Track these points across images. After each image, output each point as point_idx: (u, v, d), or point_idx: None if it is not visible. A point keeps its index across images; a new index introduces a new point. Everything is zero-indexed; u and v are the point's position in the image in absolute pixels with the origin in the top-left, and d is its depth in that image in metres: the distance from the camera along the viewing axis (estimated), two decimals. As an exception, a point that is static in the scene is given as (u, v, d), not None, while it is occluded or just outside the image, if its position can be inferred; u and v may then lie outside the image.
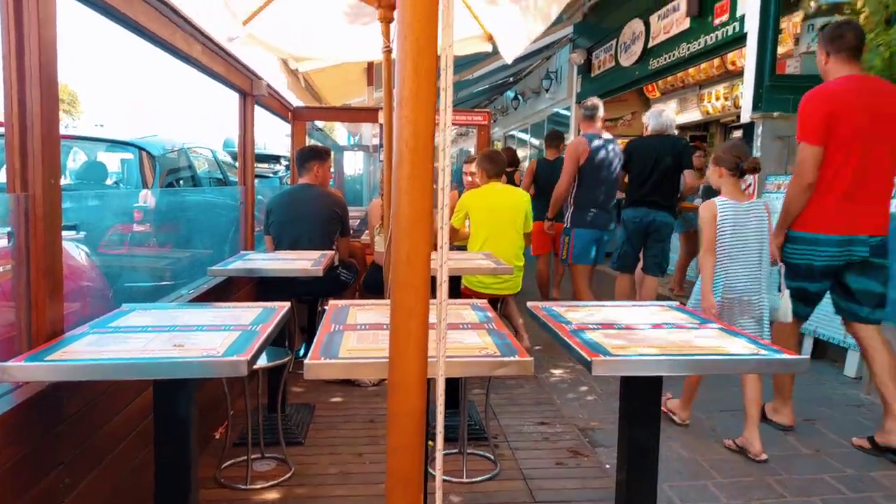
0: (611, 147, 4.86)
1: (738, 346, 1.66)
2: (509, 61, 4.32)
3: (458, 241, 4.49)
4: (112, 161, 4.80)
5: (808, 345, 4.52)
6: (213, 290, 3.14)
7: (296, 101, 5.85)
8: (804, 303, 3.12)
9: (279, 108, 5.03)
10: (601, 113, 4.91)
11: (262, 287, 3.82)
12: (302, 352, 4.26)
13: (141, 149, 4.71)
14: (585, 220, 4.82)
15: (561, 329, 1.81)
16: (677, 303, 2.28)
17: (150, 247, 3.77)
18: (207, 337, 1.68)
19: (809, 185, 2.94)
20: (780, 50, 5.70)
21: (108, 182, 4.70)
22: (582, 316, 2.02)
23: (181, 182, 5.12)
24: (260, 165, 9.64)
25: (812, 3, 5.67)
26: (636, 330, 1.83)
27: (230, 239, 4.18)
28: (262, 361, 2.55)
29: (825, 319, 4.34)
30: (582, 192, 4.84)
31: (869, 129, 2.87)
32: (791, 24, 6.15)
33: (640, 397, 1.79)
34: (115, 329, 1.77)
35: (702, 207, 3.07)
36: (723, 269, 2.98)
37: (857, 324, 3.11)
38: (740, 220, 2.95)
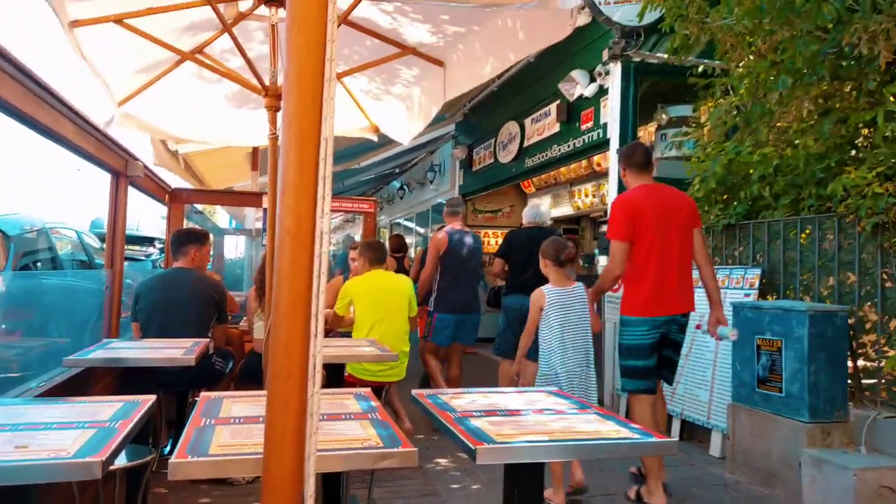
0: (469, 239, 5.33)
1: (613, 430, 1.73)
2: (405, 143, 4.53)
3: (343, 328, 4.41)
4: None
5: (676, 427, 4.77)
6: (67, 383, 2.84)
7: (174, 182, 5.66)
8: (643, 378, 3.53)
9: (155, 189, 4.84)
10: (462, 210, 5.52)
11: (126, 378, 3.51)
12: (168, 448, 3.91)
13: (-8, 228, 4.32)
14: (446, 305, 5.17)
15: (445, 417, 1.80)
16: (556, 388, 2.35)
17: (-5, 334, 3.38)
18: (57, 436, 1.51)
19: (617, 277, 3.54)
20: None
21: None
22: (466, 403, 2.02)
23: (39, 265, 4.71)
24: (132, 247, 9.10)
25: (664, 116, 6.39)
26: (519, 416, 1.85)
27: (92, 326, 3.86)
28: (121, 461, 2.31)
29: (692, 403, 4.63)
30: (443, 281, 5.22)
31: (662, 226, 3.46)
32: (647, 132, 6.87)
33: (522, 484, 1.79)
34: (-57, 430, 1.55)
35: (533, 294, 3.58)
36: (559, 346, 3.44)
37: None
38: (566, 303, 3.49)
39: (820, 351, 3.61)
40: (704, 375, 4.57)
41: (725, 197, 4.95)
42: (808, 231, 4.25)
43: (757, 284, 4.38)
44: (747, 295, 4.40)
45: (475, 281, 5.42)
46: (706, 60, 5.16)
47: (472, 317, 5.31)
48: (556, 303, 3.48)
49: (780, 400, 3.74)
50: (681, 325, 3.57)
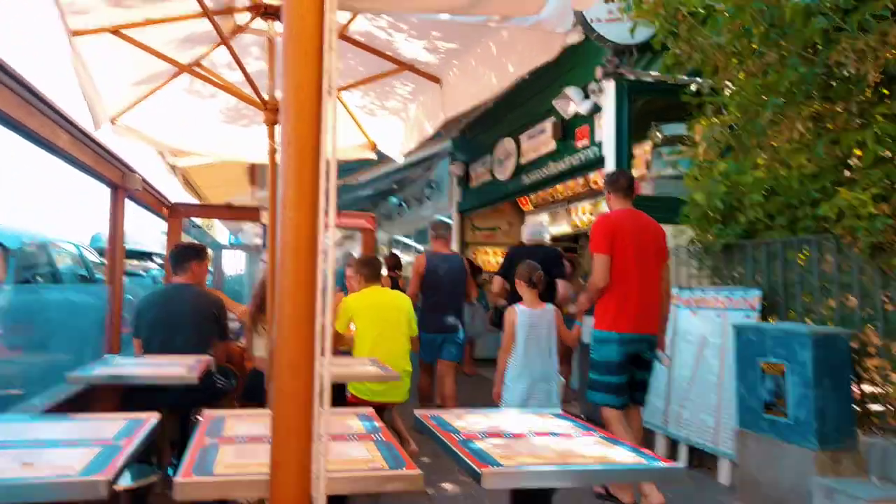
0: (450, 262, 5.57)
1: (620, 455, 1.72)
2: (399, 161, 4.55)
3: (343, 347, 4.39)
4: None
5: (683, 453, 4.63)
6: (71, 400, 2.82)
7: (173, 196, 5.65)
8: (614, 394, 3.69)
9: (154, 203, 4.83)
10: (446, 234, 5.79)
11: (128, 396, 3.48)
12: (172, 469, 3.86)
13: (-7, 241, 4.30)
14: (427, 324, 5.32)
15: (450, 439, 1.79)
16: (560, 410, 2.35)
17: (-3, 349, 3.36)
18: (62, 454, 1.51)
19: (601, 289, 3.72)
20: (635, 173, 6.35)
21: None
22: (469, 424, 2.02)
23: (39, 279, 4.69)
24: (131, 262, 9.07)
25: (658, 135, 6.43)
26: (524, 439, 1.85)
27: (93, 342, 3.84)
28: (126, 481, 2.29)
29: (698, 428, 4.50)
30: (425, 301, 5.45)
31: (639, 247, 3.73)
32: (643, 150, 6.92)
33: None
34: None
35: (506, 312, 3.90)
36: (521, 362, 3.74)
37: (631, 404, 3.82)
38: (535, 322, 3.81)
39: (825, 375, 3.54)
40: (710, 399, 4.44)
41: (722, 217, 4.96)
42: (806, 252, 4.25)
43: (757, 306, 4.32)
44: (748, 317, 4.33)
45: (456, 301, 5.62)
46: (699, 79, 5.21)
47: (452, 335, 5.49)
48: (525, 322, 3.80)
49: (787, 426, 3.64)
50: (650, 344, 3.77)
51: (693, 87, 5.07)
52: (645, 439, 4.23)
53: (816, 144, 4.11)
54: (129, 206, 4.07)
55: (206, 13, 2.75)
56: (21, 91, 2.33)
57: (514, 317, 3.83)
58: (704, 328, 4.66)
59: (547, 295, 5.15)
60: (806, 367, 3.57)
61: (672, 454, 4.75)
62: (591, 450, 1.76)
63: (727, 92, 4.68)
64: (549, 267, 5.11)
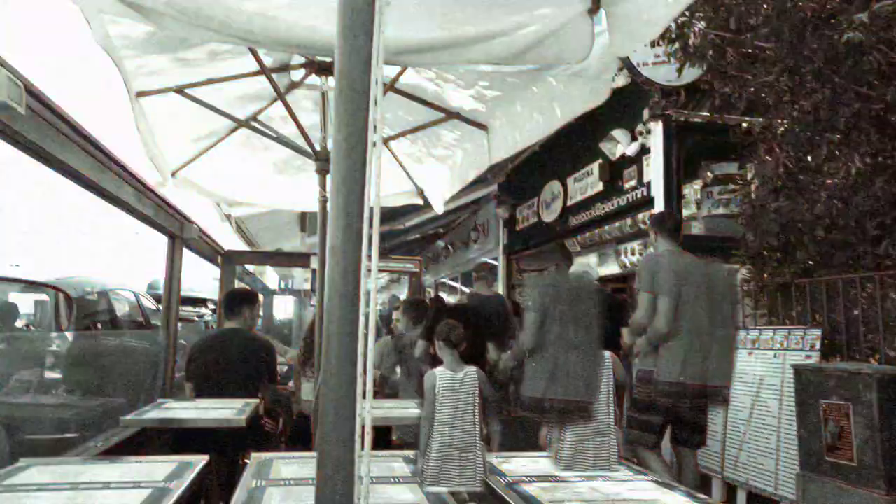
0: (490, 303, 5.58)
1: (675, 500, 1.65)
2: (439, 212, 4.59)
3: (389, 389, 4.39)
4: (27, 302, 4.54)
5: (742, 499, 4.48)
6: (125, 442, 2.90)
7: (226, 243, 5.83)
8: (654, 433, 3.65)
9: (209, 250, 5.00)
10: (487, 276, 5.82)
11: (179, 439, 3.55)
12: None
13: (57, 290, 4.50)
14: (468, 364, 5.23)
15: (496, 482, 1.76)
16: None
17: (58, 394, 3.48)
18: (114, 496, 1.54)
19: (646, 326, 3.67)
20: (686, 212, 6.23)
21: (19, 324, 4.41)
22: (516, 467, 1.98)
23: (99, 325, 4.87)
24: (185, 308, 9.37)
25: (709, 174, 6.33)
26: (572, 483, 1.80)
27: (148, 386, 3.94)
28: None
29: (757, 472, 4.36)
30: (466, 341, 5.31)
31: (688, 288, 3.64)
32: (693, 190, 6.81)
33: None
34: (7, 488, 1.59)
35: (426, 377, 3.51)
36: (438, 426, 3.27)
37: (684, 448, 3.79)
38: (455, 388, 3.36)
39: (892, 416, 3.38)
40: (768, 442, 4.32)
41: (778, 255, 4.81)
42: (868, 290, 4.08)
43: (818, 346, 4.17)
44: (808, 356, 4.19)
45: (496, 341, 5.53)
46: (749, 118, 5.13)
47: (493, 376, 5.38)
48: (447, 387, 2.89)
49: (852, 469, 3.47)
50: (707, 388, 3.65)
51: (744, 126, 5.00)
52: (701, 484, 4.09)
53: (874, 181, 3.99)
54: (184, 253, 4.21)
55: (263, 71, 2.88)
56: (95, 152, 2.48)
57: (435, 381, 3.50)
58: (761, 369, 4.53)
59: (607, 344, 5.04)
60: (871, 409, 3.40)
61: (730, 499, 4.60)
62: (643, 494, 1.70)
63: (780, 130, 4.61)
64: (611, 313, 5.00)
